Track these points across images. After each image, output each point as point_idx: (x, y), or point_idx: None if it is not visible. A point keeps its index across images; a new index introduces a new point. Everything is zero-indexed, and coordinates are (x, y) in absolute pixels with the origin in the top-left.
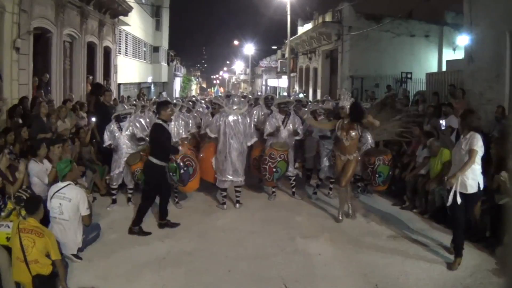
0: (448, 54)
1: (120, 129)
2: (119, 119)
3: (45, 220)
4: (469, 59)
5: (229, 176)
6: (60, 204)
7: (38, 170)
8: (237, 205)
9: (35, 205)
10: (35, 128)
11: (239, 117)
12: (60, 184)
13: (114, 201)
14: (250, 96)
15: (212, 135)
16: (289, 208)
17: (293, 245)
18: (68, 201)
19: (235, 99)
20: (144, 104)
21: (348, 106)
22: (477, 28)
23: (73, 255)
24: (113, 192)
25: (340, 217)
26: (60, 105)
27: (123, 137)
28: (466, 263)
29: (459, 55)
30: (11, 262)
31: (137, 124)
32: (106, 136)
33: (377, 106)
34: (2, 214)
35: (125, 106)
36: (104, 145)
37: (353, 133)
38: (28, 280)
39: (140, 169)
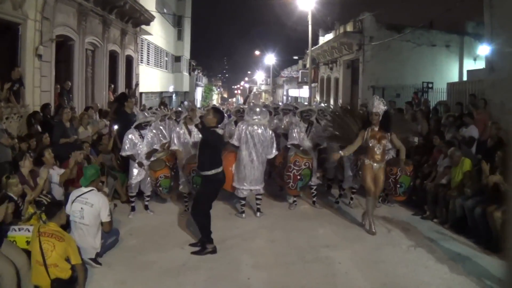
0: (469, 64)
1: (142, 137)
2: (141, 127)
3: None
4: (490, 69)
5: (246, 185)
6: (81, 208)
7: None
8: (258, 213)
9: (55, 210)
10: (57, 134)
11: (261, 127)
12: (83, 189)
13: (133, 209)
14: (270, 105)
15: (237, 144)
16: (309, 217)
17: (313, 254)
18: (90, 206)
19: (256, 110)
20: (166, 113)
21: (382, 113)
22: (498, 38)
23: (92, 260)
24: (132, 200)
25: (374, 229)
26: (83, 112)
27: (144, 146)
28: (488, 273)
29: (480, 65)
30: (30, 265)
31: (158, 132)
32: (126, 145)
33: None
34: (23, 218)
35: (146, 115)
36: (122, 154)
37: (384, 141)
38: (46, 284)
39: (164, 175)
